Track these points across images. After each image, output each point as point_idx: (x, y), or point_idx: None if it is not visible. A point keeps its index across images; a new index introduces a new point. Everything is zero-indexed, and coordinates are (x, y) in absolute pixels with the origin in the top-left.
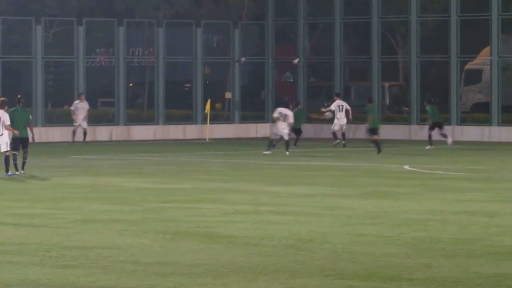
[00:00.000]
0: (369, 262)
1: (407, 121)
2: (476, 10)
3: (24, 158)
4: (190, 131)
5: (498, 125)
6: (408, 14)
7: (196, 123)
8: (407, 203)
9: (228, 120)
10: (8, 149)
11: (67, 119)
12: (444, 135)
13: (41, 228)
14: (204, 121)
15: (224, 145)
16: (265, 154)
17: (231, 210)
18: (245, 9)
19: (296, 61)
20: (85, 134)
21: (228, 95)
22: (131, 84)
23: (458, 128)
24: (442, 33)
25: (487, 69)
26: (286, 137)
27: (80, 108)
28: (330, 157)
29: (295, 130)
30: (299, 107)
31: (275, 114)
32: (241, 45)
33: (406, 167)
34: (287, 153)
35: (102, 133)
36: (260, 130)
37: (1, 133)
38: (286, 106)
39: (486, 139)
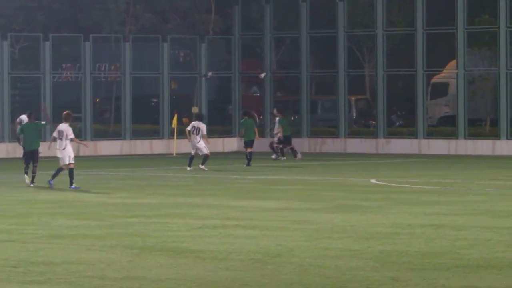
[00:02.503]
0: (336, 276)
1: (373, 134)
2: (442, 24)
3: (34, 172)
4: (157, 146)
5: (465, 138)
6: (374, 28)
7: (163, 138)
8: (374, 216)
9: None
10: (72, 162)
11: None
12: (294, 150)
13: (8, 243)
14: (171, 136)
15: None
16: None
17: (198, 224)
18: (211, 24)
19: (262, 75)
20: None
21: (195, 109)
22: (97, 99)
23: (425, 142)
24: (408, 46)
25: (453, 83)
26: (204, 151)
27: None
28: (297, 171)
29: (285, 138)
30: (282, 115)
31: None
32: (207, 59)
33: (373, 180)
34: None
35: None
36: (227, 144)
37: (64, 147)
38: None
39: (452, 152)
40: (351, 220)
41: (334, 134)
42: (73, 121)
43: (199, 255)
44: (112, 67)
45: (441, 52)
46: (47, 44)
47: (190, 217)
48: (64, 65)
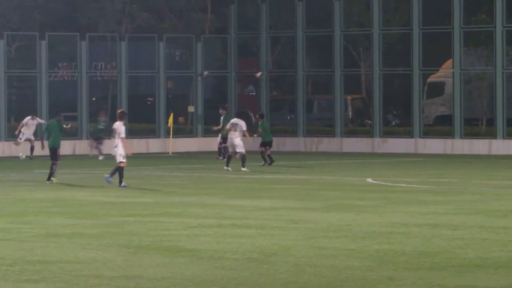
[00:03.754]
0: (332, 275)
1: (369, 134)
2: (438, 23)
3: (51, 169)
4: (153, 145)
5: (461, 137)
6: (371, 27)
7: (159, 137)
8: (370, 216)
9: (191, 134)
10: (123, 160)
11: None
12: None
13: (4, 242)
14: (167, 135)
15: (187, 158)
16: (227, 170)
17: (194, 223)
18: (207, 23)
19: (258, 74)
20: (32, 149)
21: (191, 109)
22: (94, 99)
23: (421, 141)
24: (404, 46)
25: (449, 82)
26: (239, 150)
27: (30, 125)
28: (293, 171)
29: (266, 143)
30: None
31: (227, 126)
32: (203, 59)
33: (369, 180)
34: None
35: (65, 147)
36: None
37: (115, 145)
38: (239, 117)
39: (449, 151)
40: (347, 219)
41: (330, 134)
42: (70, 120)
43: (195, 254)
44: (108, 66)
45: (437, 51)
46: (43, 43)
47: (186, 216)
48: (60, 64)
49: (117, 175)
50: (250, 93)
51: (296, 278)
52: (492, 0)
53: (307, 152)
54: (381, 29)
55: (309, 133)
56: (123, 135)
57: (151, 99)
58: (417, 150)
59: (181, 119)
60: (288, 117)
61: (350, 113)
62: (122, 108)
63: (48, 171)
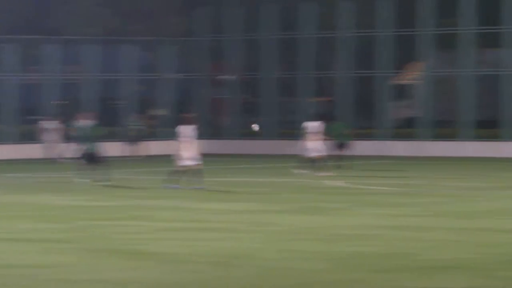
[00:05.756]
0: (298, 278)
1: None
2: (407, 26)
3: (94, 173)
4: (119, 148)
5: (429, 139)
6: (339, 30)
7: (124, 140)
8: (338, 218)
9: (161, 137)
10: (195, 163)
11: None
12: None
13: None
14: (135, 138)
15: (156, 162)
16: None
17: (160, 227)
18: (176, 26)
19: (229, 77)
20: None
21: (159, 112)
22: (60, 102)
23: (389, 143)
24: (372, 48)
25: (417, 84)
26: None
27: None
28: (260, 173)
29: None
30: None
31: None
32: (171, 62)
33: (338, 182)
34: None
35: (28, 151)
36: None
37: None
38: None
39: (417, 153)
40: (315, 222)
41: (299, 136)
42: (34, 123)
43: (161, 257)
44: (75, 69)
45: (405, 54)
46: (10, 46)
47: (152, 219)
48: (27, 68)
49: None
50: (221, 96)
51: (261, 281)
52: (461, 3)
53: (278, 154)
54: (349, 31)
55: (280, 135)
56: (193, 137)
57: (119, 102)
58: (385, 153)
59: (152, 122)
60: (261, 120)
61: (318, 116)
62: (91, 111)
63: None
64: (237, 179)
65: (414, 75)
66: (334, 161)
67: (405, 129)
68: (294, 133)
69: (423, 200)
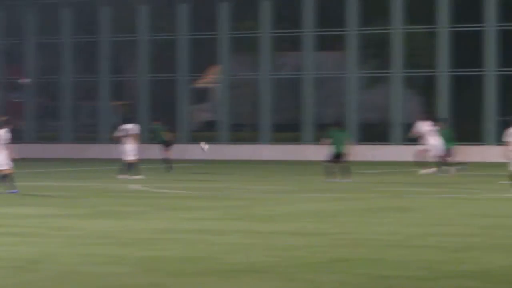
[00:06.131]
0: (95, 282)
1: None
2: (205, 29)
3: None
4: None
5: (227, 142)
6: (137, 34)
7: None
8: (136, 222)
9: None
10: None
11: None
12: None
13: None
14: None
15: None
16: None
17: None
18: None
19: (24, 80)
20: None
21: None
22: None
23: (188, 147)
24: (171, 52)
25: (215, 88)
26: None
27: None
28: (56, 177)
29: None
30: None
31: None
32: None
33: (135, 186)
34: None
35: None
36: None
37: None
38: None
39: (215, 157)
40: (112, 226)
41: (98, 140)
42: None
43: None
44: None
45: (203, 57)
46: None
47: None
48: None
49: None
50: (15, 100)
51: (60, 285)
52: (259, 7)
53: (74, 158)
54: (148, 35)
55: (76, 139)
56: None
57: None
58: (183, 156)
59: None
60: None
61: (117, 119)
62: None
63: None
64: (36, 184)
65: (212, 79)
66: (165, 164)
67: (203, 132)
68: (90, 137)
69: (222, 204)
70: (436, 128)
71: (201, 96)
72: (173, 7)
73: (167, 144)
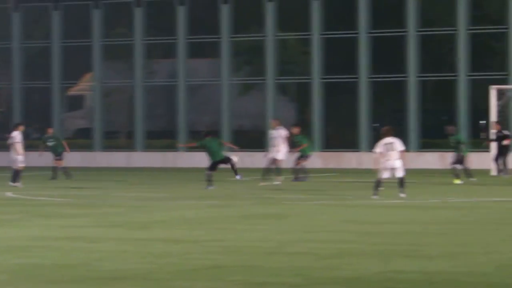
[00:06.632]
0: None
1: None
2: (78, 37)
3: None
4: None
5: (101, 150)
6: (10, 41)
7: None
8: (9, 230)
9: None
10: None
11: None
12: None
13: None
14: None
15: None
16: None
17: None
18: None
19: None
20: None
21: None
22: None
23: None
24: (44, 59)
25: (89, 95)
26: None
27: None
28: None
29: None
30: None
31: None
32: None
33: (8, 193)
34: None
35: None
36: None
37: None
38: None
39: (88, 164)
40: None
41: None
42: None
43: None
44: None
45: (77, 64)
46: None
47: None
48: None
49: None
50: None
51: None
52: (131, 14)
53: None
54: (22, 42)
55: None
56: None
57: None
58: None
59: None
60: None
61: None
62: None
63: None
64: None
65: (85, 86)
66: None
67: (77, 140)
68: None
69: (96, 211)
70: (290, 134)
71: (74, 103)
72: (45, 14)
73: (59, 153)
